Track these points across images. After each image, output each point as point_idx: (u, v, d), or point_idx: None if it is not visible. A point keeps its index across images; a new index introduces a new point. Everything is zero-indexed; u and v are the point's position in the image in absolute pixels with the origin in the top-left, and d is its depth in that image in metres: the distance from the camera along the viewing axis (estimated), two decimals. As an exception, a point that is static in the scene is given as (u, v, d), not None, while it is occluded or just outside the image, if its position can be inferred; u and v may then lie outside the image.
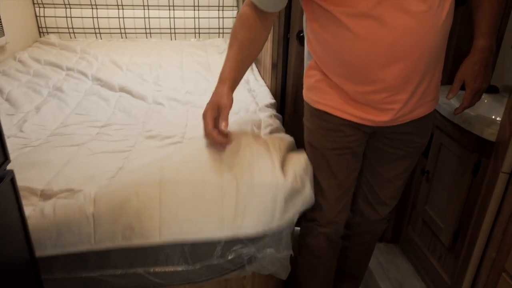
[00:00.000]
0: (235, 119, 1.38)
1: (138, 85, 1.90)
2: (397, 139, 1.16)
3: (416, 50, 0.94)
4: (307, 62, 1.16)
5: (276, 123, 1.44)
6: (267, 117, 1.47)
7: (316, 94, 1.12)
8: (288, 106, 1.92)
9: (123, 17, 2.77)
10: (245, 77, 2.08)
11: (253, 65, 2.32)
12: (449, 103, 1.52)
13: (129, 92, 1.79)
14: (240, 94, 1.87)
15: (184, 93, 1.82)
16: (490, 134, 1.30)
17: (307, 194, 1.13)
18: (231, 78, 1.09)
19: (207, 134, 1.10)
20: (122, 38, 2.82)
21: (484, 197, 1.10)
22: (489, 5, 1.04)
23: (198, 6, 2.83)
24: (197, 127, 1.47)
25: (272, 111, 1.60)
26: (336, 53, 1.01)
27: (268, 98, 1.78)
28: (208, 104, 1.11)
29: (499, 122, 1.33)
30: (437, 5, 0.92)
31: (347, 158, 1.16)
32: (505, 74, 1.66)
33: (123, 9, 2.77)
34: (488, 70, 1.10)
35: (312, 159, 1.20)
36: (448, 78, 1.62)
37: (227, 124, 1.08)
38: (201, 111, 1.60)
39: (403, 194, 1.37)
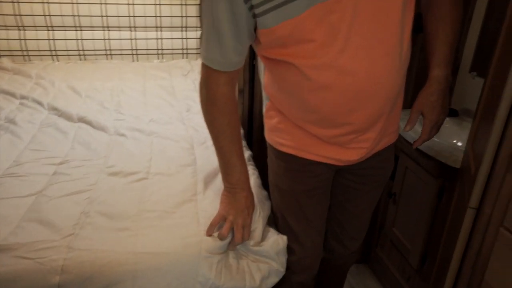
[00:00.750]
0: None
1: (98, 114, 1.82)
2: (362, 175, 1.15)
3: (381, 93, 0.93)
4: (265, 102, 1.11)
5: (255, 170, 1.41)
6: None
7: (279, 135, 1.07)
8: (256, 132, 1.90)
9: (82, 39, 2.67)
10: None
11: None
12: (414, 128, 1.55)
13: (88, 123, 1.71)
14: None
15: (148, 121, 1.76)
16: (454, 160, 1.33)
17: (282, 272, 1.10)
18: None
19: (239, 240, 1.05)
20: (80, 60, 2.72)
21: (451, 230, 1.11)
22: (444, 36, 1.03)
23: (161, 26, 2.78)
24: (162, 161, 1.42)
25: (247, 150, 1.56)
26: (299, 101, 0.96)
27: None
28: (245, 213, 1.06)
29: (461, 148, 1.37)
30: (397, 45, 0.91)
31: (318, 198, 1.13)
32: (464, 97, 1.73)
33: (81, 30, 2.67)
34: (446, 100, 1.09)
35: (282, 203, 1.15)
36: (410, 104, 1.65)
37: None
38: (166, 142, 1.57)
39: (372, 215, 1.39)
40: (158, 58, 2.83)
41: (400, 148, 1.68)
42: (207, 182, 1.28)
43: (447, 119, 1.65)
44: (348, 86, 0.90)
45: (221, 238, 1.02)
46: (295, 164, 1.07)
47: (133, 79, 2.35)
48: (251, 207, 1.08)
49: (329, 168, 1.09)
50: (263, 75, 1.08)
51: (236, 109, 1.02)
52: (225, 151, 1.03)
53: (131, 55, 2.79)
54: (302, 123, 1.01)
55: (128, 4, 2.67)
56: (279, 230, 1.17)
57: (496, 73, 0.99)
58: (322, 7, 0.81)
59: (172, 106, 1.97)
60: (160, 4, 2.72)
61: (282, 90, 0.99)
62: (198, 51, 2.89)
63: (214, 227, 1.04)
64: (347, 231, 1.26)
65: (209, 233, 1.03)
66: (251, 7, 0.83)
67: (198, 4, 2.76)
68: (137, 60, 2.82)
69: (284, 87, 0.97)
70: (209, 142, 1.59)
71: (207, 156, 1.46)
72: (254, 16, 0.85)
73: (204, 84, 0.97)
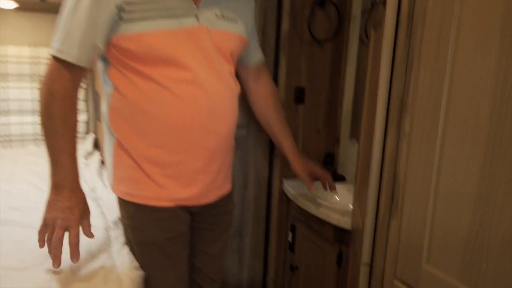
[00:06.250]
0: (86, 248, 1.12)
1: None
2: (213, 216, 1.21)
3: (227, 117, 1.06)
4: (109, 146, 1.08)
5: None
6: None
7: (134, 187, 1.05)
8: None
9: None
10: (90, 184, 1.83)
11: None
12: (305, 195, 1.53)
13: None
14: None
15: (7, 210, 1.47)
16: (346, 222, 1.31)
17: None
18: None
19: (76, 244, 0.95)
20: None
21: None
22: (286, 139, 1.39)
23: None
24: (16, 254, 1.15)
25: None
26: (156, 119, 0.99)
27: (117, 211, 1.55)
28: (66, 213, 0.94)
29: (351, 210, 1.36)
30: (230, 83, 1.08)
31: (182, 245, 1.11)
32: (348, 162, 1.79)
33: None
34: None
35: (147, 258, 1.08)
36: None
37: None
38: (26, 230, 1.30)
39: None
40: (35, 144, 2.54)
41: (297, 218, 1.63)
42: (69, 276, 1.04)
43: (337, 184, 1.67)
44: (204, 104, 1.00)
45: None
46: (159, 213, 1.05)
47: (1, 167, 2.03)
48: (76, 207, 0.95)
49: (189, 211, 1.12)
50: (107, 111, 1.05)
51: (75, 109, 0.98)
52: (56, 148, 0.95)
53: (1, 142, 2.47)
54: (152, 149, 1.01)
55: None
56: None
57: (365, 138, 1.04)
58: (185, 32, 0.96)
59: (43, 191, 1.70)
60: (37, 88, 2.53)
61: (135, 111, 0.99)
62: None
63: (42, 237, 0.95)
64: (206, 275, 1.27)
65: (41, 246, 0.95)
66: (121, 10, 0.91)
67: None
68: (11, 147, 2.50)
69: (140, 105, 0.98)
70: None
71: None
72: (121, 19, 0.92)
73: (50, 78, 0.94)
